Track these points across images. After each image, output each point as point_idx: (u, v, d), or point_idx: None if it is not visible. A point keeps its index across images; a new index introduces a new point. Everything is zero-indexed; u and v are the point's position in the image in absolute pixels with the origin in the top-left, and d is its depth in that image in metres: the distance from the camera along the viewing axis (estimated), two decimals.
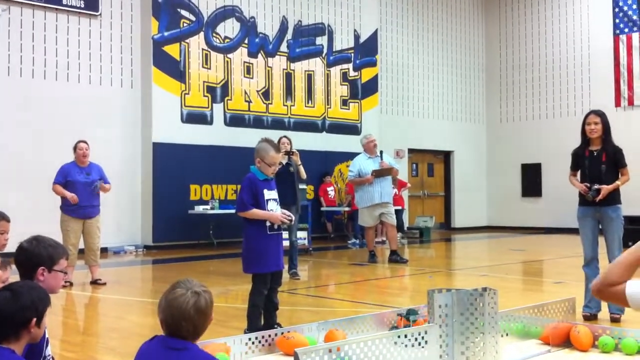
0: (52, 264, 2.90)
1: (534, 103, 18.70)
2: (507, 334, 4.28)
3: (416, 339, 3.58)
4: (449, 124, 18.78)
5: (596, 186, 5.53)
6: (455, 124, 18.94)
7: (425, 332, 3.61)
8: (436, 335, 3.62)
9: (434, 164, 18.98)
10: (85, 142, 8.26)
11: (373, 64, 16.64)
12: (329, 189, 14.98)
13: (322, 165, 14.94)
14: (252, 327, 4.80)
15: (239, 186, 13.24)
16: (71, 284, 7.80)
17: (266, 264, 4.86)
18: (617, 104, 16.93)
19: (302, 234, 11.24)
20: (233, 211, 11.95)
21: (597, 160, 5.62)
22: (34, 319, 2.37)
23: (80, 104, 12.11)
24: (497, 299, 3.72)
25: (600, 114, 5.66)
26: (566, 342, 4.28)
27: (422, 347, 3.58)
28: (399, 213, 14.54)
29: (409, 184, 15.90)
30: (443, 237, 16.64)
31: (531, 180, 18.55)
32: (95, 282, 8.05)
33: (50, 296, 2.59)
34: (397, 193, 14.58)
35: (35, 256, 2.86)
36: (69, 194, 7.87)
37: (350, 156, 11.22)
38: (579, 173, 5.81)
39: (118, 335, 5.43)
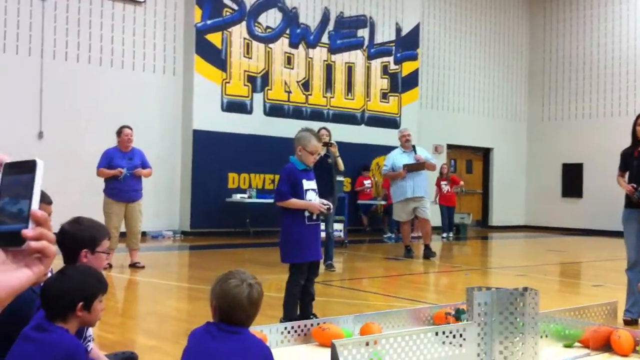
0: (94, 246, 2.92)
1: (577, 102, 18.36)
2: (546, 336, 4.22)
3: (454, 336, 3.55)
4: (490, 121, 18.56)
5: None
6: (495, 121, 18.71)
7: (464, 330, 3.57)
8: (474, 333, 3.58)
9: (473, 161, 18.79)
10: (129, 127, 8.37)
11: (414, 57, 16.51)
12: (365, 182, 14.94)
13: (360, 158, 14.90)
14: (288, 316, 4.81)
15: (276, 176, 13.39)
16: (110, 266, 7.93)
17: (304, 254, 4.86)
18: None
19: (338, 226, 11.24)
20: (270, 200, 12.06)
21: None
22: (80, 303, 2.40)
23: (123, 90, 12.28)
24: (538, 300, 3.67)
25: None
26: (606, 346, 4.19)
27: (460, 345, 3.55)
28: (449, 211, 14.44)
29: (462, 181, 15.31)
30: (480, 235, 16.48)
31: (572, 180, 18.23)
32: (134, 265, 8.18)
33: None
34: (449, 191, 14.45)
35: (78, 238, 2.88)
36: (113, 171, 8.00)
37: (388, 150, 11.14)
38: (627, 174, 5.69)
39: (156, 318, 5.50)
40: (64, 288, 2.39)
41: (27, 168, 0.95)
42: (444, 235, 14.11)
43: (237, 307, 2.51)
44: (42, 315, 2.41)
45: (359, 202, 14.82)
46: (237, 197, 13.02)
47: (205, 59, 13.14)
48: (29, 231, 0.92)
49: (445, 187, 14.39)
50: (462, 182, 15.12)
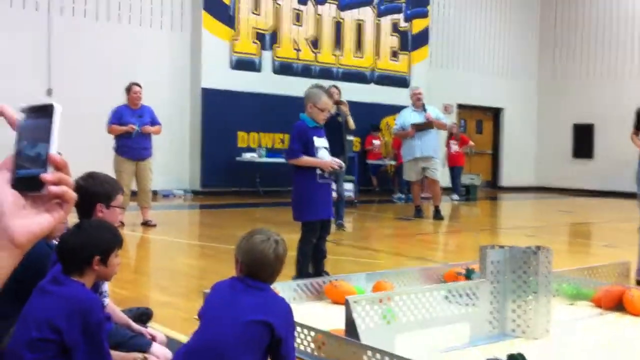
0: (109, 200, 2.91)
1: (589, 62, 18.11)
2: (558, 295, 4.23)
3: (467, 294, 3.56)
4: (500, 81, 18.36)
5: None
6: (506, 80, 18.51)
7: (477, 288, 3.58)
8: (487, 291, 3.59)
9: (483, 121, 18.66)
10: (138, 85, 8.32)
11: (424, 15, 16.27)
12: (374, 141, 14.87)
13: (369, 117, 14.80)
14: (300, 274, 4.84)
15: (286, 135, 13.35)
16: (123, 224, 7.95)
17: (316, 211, 4.85)
18: None
19: (348, 186, 11.22)
20: (280, 160, 12.05)
21: None
22: (97, 257, 2.41)
23: (131, 46, 12.18)
24: (551, 258, 3.66)
25: None
26: (618, 305, 4.20)
27: (473, 303, 3.56)
28: (455, 171, 14.29)
29: (472, 142, 15.11)
30: (489, 195, 16.45)
31: (583, 141, 18.10)
32: (146, 224, 8.22)
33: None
34: (458, 150, 14.33)
35: (93, 193, 2.86)
36: (125, 127, 7.98)
37: (398, 109, 11.07)
38: None
39: (168, 275, 5.54)
40: (81, 242, 2.39)
41: (44, 112, 0.93)
42: (453, 197, 14.00)
43: (263, 262, 2.54)
44: (58, 269, 2.42)
45: (368, 161, 14.78)
46: (247, 156, 13.01)
47: (214, 16, 12.99)
48: (48, 175, 0.90)
49: (454, 147, 14.27)
50: (471, 142, 14.99)
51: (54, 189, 0.91)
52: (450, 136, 14.40)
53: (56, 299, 2.29)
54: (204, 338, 2.46)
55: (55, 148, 0.92)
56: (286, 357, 2.47)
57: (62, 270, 2.40)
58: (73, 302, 2.28)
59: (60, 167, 0.92)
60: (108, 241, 2.46)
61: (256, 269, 2.55)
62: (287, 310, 2.52)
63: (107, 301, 2.99)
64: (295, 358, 2.56)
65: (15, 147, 0.93)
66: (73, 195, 0.93)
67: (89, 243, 2.41)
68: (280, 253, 2.58)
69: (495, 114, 18.73)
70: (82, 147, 10.87)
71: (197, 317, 2.63)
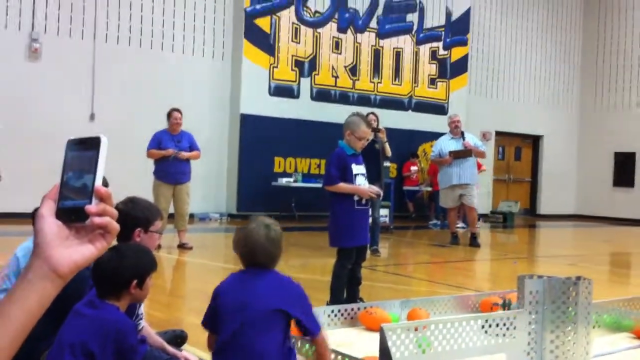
0: (148, 225, 2.96)
1: (631, 90, 17.84)
2: (598, 326, 4.13)
3: (504, 325, 3.50)
4: (540, 108, 18.19)
5: None
6: (546, 108, 18.33)
7: (515, 318, 3.52)
8: (525, 322, 3.53)
9: (522, 148, 18.47)
10: (179, 110, 8.47)
11: (464, 43, 16.26)
12: (412, 167, 14.83)
13: (407, 144, 14.78)
14: (335, 300, 4.82)
15: (322, 160, 13.40)
16: (159, 247, 8.06)
17: (352, 238, 4.85)
18: None
19: (384, 212, 11.19)
20: (315, 185, 12.09)
21: None
22: (135, 281, 2.44)
23: (172, 73, 12.42)
24: (591, 289, 3.58)
25: None
26: None
27: (511, 333, 3.50)
28: None
29: (484, 166, 15.03)
30: (527, 223, 16.22)
31: (624, 169, 17.77)
32: (182, 246, 8.30)
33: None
34: None
35: (132, 218, 2.91)
36: (164, 151, 8.12)
37: (436, 136, 11.05)
38: None
39: (204, 297, 5.55)
40: (121, 266, 2.42)
41: (91, 144, 0.95)
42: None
43: (257, 248, 2.63)
44: (94, 292, 2.45)
45: (405, 188, 14.73)
46: (283, 181, 13.08)
47: (254, 44, 13.18)
48: (93, 207, 0.92)
49: None
50: (484, 167, 14.80)
51: (98, 220, 0.93)
52: None
53: (90, 322, 2.31)
54: (232, 329, 2.55)
55: (100, 179, 0.94)
56: (309, 330, 2.62)
57: (97, 293, 2.43)
58: (107, 325, 2.30)
59: (104, 199, 0.94)
60: (146, 265, 2.50)
61: (252, 257, 2.65)
62: (297, 292, 2.63)
63: (143, 324, 3.02)
64: (319, 327, 2.68)
65: (61, 178, 0.95)
66: (116, 226, 0.95)
67: (128, 267, 2.44)
68: (272, 235, 2.67)
69: (535, 141, 18.52)
70: (122, 171, 11.08)
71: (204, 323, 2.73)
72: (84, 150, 0.95)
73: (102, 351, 2.24)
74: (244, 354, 2.55)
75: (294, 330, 2.76)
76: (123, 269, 2.41)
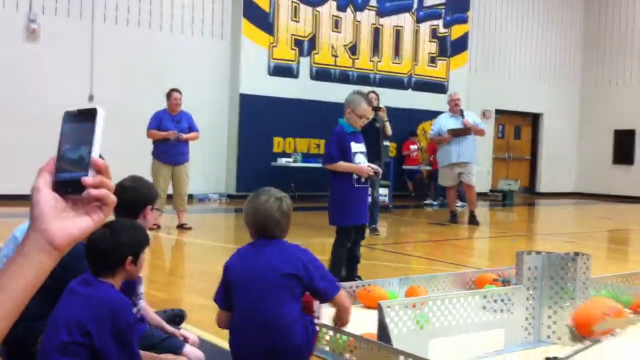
0: (154, 203, 3.05)
1: (633, 66, 17.74)
2: None
3: (502, 300, 3.52)
4: (540, 85, 18.11)
5: None
6: (547, 85, 18.25)
7: (513, 294, 3.53)
8: (523, 298, 3.55)
9: (522, 126, 18.41)
10: (178, 91, 8.44)
11: (464, 20, 16.16)
12: (412, 147, 14.81)
13: (407, 123, 14.74)
14: None
15: (321, 140, 13.38)
16: (159, 227, 8.08)
17: (352, 216, 4.86)
18: None
19: (383, 191, 11.20)
20: (315, 165, 12.07)
21: None
22: (130, 257, 2.43)
23: (171, 53, 12.34)
24: (589, 265, 3.60)
25: None
26: None
27: (509, 309, 3.52)
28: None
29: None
30: (527, 201, 16.23)
31: (624, 147, 17.74)
32: (181, 227, 8.32)
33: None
34: None
35: (142, 195, 2.98)
36: (165, 133, 8.10)
37: (435, 115, 11.01)
38: None
39: (203, 277, 5.59)
40: (117, 243, 2.41)
41: (88, 116, 0.94)
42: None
43: (269, 221, 2.72)
44: (88, 270, 2.44)
45: (405, 167, 14.72)
46: (282, 161, 13.06)
47: (253, 23, 13.09)
48: (89, 179, 0.91)
49: None
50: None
51: (94, 192, 0.92)
52: None
53: (85, 301, 2.29)
54: (249, 299, 2.65)
55: (97, 151, 0.93)
56: (328, 292, 2.74)
57: (91, 271, 2.41)
58: (102, 303, 2.29)
59: (101, 171, 0.93)
60: (141, 241, 2.50)
61: (263, 228, 2.74)
62: (309, 257, 2.74)
63: (143, 303, 3.02)
64: (337, 288, 2.79)
65: (58, 150, 0.94)
66: (113, 198, 0.95)
67: (123, 244, 2.43)
68: (284, 209, 2.77)
69: (534, 119, 18.47)
70: (121, 151, 11.08)
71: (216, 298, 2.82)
72: (80, 122, 0.94)
73: (99, 329, 2.23)
74: (265, 326, 2.62)
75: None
76: (118, 246, 2.41)
